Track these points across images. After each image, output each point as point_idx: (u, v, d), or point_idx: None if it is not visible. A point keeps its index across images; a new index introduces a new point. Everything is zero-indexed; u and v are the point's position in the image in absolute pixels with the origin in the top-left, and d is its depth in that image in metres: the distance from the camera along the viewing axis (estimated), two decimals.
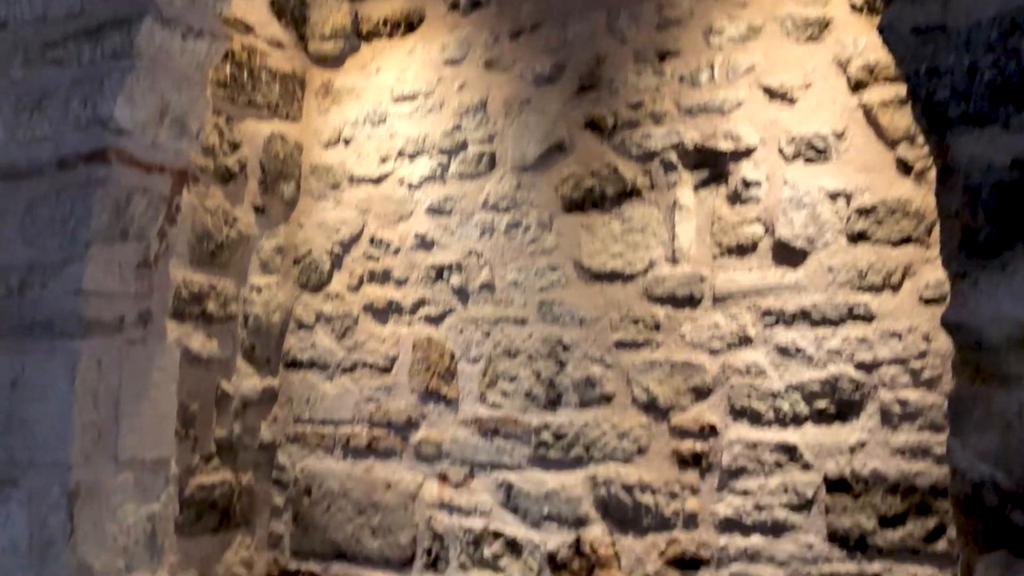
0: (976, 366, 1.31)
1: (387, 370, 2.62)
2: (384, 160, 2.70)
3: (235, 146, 2.68)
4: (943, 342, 1.92)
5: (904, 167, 2.02)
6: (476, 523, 2.42)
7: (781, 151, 2.16)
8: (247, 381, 2.71)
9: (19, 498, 2.23)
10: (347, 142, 2.77)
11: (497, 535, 2.38)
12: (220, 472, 2.61)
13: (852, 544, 1.96)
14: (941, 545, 1.88)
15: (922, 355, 1.95)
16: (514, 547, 2.35)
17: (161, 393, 2.37)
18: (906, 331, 1.97)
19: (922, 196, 1.99)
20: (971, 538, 1.35)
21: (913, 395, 1.95)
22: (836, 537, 1.98)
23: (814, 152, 2.12)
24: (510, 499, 2.38)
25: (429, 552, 2.47)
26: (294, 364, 2.76)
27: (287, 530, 2.71)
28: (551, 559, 2.30)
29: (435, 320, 2.56)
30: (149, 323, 2.36)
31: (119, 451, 2.28)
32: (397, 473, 2.56)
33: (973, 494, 1.29)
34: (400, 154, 2.67)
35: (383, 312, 2.64)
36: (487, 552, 2.39)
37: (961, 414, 1.33)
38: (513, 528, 2.37)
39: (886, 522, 1.93)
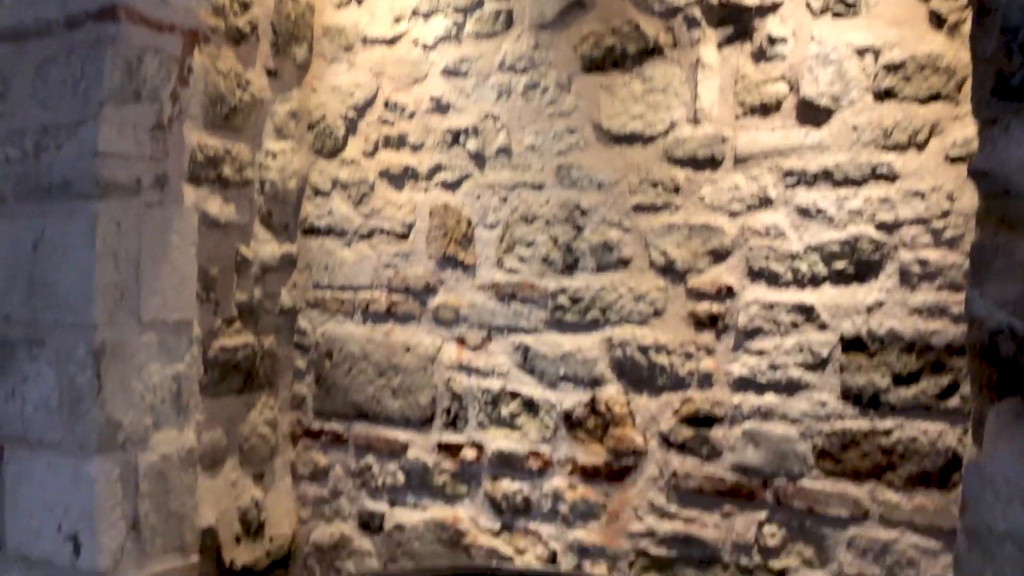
0: (1001, 215, 1.29)
1: (404, 236, 2.62)
2: (398, 20, 2.63)
3: (245, 6, 2.61)
4: (967, 201, 1.89)
5: (936, 20, 1.94)
6: (494, 384, 2.46)
7: (808, 5, 2.08)
8: (265, 247, 2.72)
9: (47, 357, 2.29)
10: (359, 1, 2.69)
11: (514, 395, 2.42)
12: (242, 335, 2.65)
13: (865, 402, 1.98)
14: (953, 402, 1.90)
15: (945, 214, 1.92)
16: (531, 406, 2.40)
17: (181, 256, 2.39)
18: (930, 190, 1.94)
19: (954, 51, 1.92)
20: (985, 387, 1.36)
21: (934, 255, 1.93)
22: (849, 395, 2.00)
23: (843, 6, 2.04)
24: (527, 361, 2.42)
25: (448, 412, 2.53)
26: (312, 231, 2.77)
27: (309, 392, 2.78)
28: (567, 417, 2.34)
29: (451, 186, 2.54)
30: (166, 186, 2.36)
31: (142, 312, 2.31)
32: (416, 337, 2.60)
33: (990, 343, 1.30)
34: (414, 13, 2.59)
35: (399, 178, 2.63)
36: (504, 411, 2.44)
37: (983, 264, 1.32)
38: (530, 389, 2.41)
39: (900, 380, 1.95)
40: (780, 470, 2.07)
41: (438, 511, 2.54)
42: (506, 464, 2.43)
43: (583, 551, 2.31)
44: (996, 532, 1.24)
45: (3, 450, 2.36)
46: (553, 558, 2.35)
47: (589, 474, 2.31)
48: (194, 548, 2.43)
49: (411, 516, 2.58)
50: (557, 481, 2.36)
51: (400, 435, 2.61)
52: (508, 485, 2.43)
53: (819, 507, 2.02)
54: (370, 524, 2.66)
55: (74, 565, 2.23)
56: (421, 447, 2.58)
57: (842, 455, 2.00)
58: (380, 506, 2.65)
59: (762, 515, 2.09)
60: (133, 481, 2.27)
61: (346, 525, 2.71)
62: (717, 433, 2.15)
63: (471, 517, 2.49)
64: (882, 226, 1.99)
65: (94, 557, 2.20)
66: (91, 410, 2.19)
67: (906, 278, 1.96)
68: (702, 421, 2.16)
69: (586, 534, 2.31)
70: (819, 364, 2.04)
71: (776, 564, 2.07)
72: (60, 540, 2.25)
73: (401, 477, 2.61)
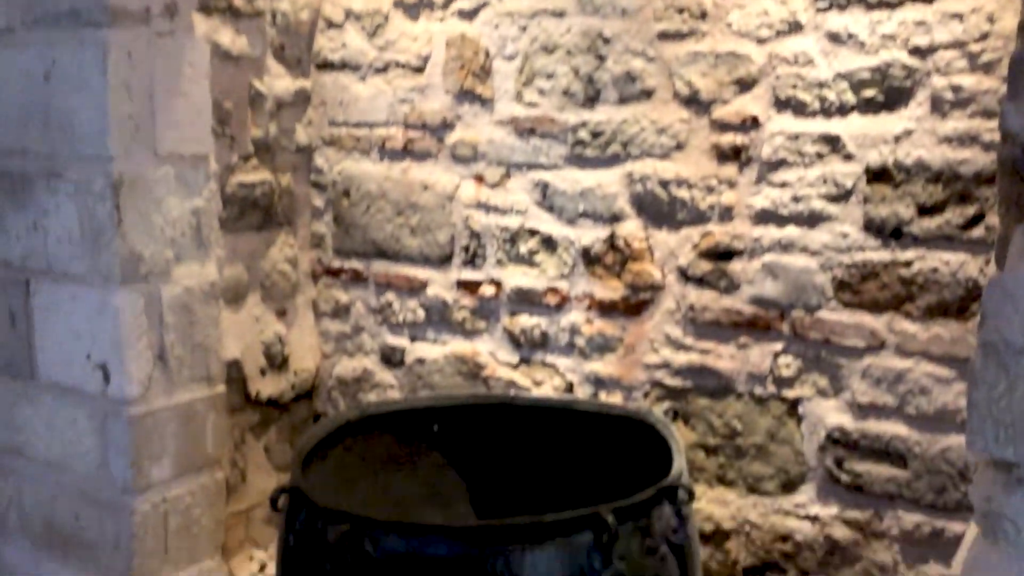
0: None
1: (420, 70, 2.56)
2: None
3: None
4: (1008, 23, 1.81)
5: None
6: (512, 222, 2.45)
7: None
8: (279, 82, 2.67)
9: (66, 190, 2.29)
10: None
11: (533, 233, 2.42)
12: (259, 172, 2.63)
13: (888, 233, 1.96)
14: (977, 232, 1.88)
15: (983, 37, 1.84)
16: (549, 243, 2.40)
17: (194, 88, 2.35)
18: (969, 11, 1.85)
19: None
20: (1014, 205, 1.33)
21: (968, 80, 1.86)
22: (872, 226, 1.98)
23: None
24: (546, 198, 2.40)
25: (467, 249, 2.53)
26: (325, 65, 2.70)
27: (328, 230, 2.78)
28: (585, 254, 2.34)
29: (468, 15, 2.46)
30: (176, 15, 2.29)
31: (158, 145, 2.29)
32: (434, 175, 2.57)
33: (1021, 157, 1.26)
34: None
35: (414, 7, 2.54)
36: (523, 249, 2.44)
37: (1020, 75, 1.27)
38: (548, 226, 2.40)
39: (924, 211, 1.92)
40: (798, 302, 2.07)
41: (457, 346, 2.58)
42: (524, 300, 2.45)
43: (599, 382, 2.35)
44: (1013, 346, 1.24)
45: (29, 283, 2.40)
46: (570, 389, 2.40)
47: (606, 309, 2.33)
48: (220, 379, 2.50)
49: (431, 350, 2.63)
50: (574, 316, 2.38)
51: (419, 273, 2.63)
52: (526, 320, 2.46)
53: (835, 338, 2.03)
54: (391, 358, 2.71)
55: (104, 393, 2.30)
56: (440, 284, 2.60)
57: (861, 286, 2.00)
58: (401, 341, 2.69)
59: (778, 346, 2.11)
60: (157, 312, 2.31)
61: (368, 360, 2.77)
62: (736, 266, 2.14)
63: (490, 351, 2.53)
64: (915, 51, 1.91)
65: (123, 385, 2.26)
66: (113, 242, 2.21)
67: (937, 105, 1.90)
68: (721, 255, 2.16)
69: (602, 366, 2.35)
70: (843, 196, 2.01)
71: (790, 393, 2.11)
72: (90, 369, 2.32)
73: (421, 313, 2.64)
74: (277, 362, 2.74)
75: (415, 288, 2.64)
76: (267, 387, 2.72)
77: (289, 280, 2.77)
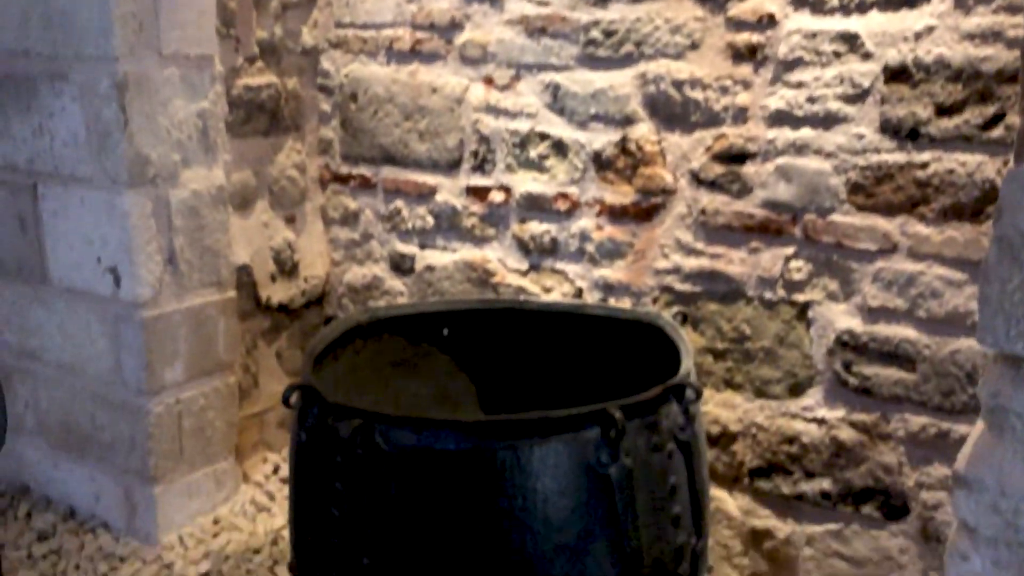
0: None
1: None
2: None
3: None
4: None
5: None
6: (522, 125, 2.42)
7: None
8: None
9: (71, 92, 2.26)
10: None
11: (543, 136, 2.38)
12: (265, 74, 2.59)
13: (904, 134, 1.92)
14: (997, 132, 1.84)
15: None
16: (560, 148, 2.37)
17: None
18: None
19: None
20: None
21: None
22: (888, 127, 1.94)
23: None
24: (556, 100, 2.35)
25: (476, 155, 2.50)
26: None
27: (336, 136, 2.75)
28: (596, 158, 2.31)
29: None
30: None
31: (162, 45, 2.25)
32: (442, 77, 2.53)
33: None
34: None
35: None
36: (533, 153, 2.41)
37: None
38: (559, 129, 2.36)
39: (943, 111, 1.88)
40: (811, 205, 2.05)
41: (467, 252, 2.58)
42: (534, 206, 2.43)
43: (608, 288, 2.35)
44: None
45: (36, 186, 2.39)
46: (579, 295, 2.40)
47: (617, 214, 2.31)
48: (230, 284, 2.51)
49: (441, 258, 2.63)
50: (584, 222, 2.36)
51: (428, 179, 2.61)
52: (536, 227, 2.44)
53: (848, 241, 2.02)
54: (401, 266, 2.71)
55: (116, 296, 2.31)
56: (449, 191, 2.58)
57: (875, 189, 1.97)
58: (410, 248, 2.69)
59: (789, 250, 2.10)
60: (166, 216, 2.30)
61: (377, 267, 2.77)
62: (749, 169, 2.11)
63: (499, 258, 2.52)
64: None
65: (134, 288, 2.27)
66: (120, 144, 2.19)
67: (961, 1, 1.84)
68: (734, 157, 2.13)
69: (612, 272, 2.34)
70: (859, 96, 1.96)
71: (800, 297, 2.10)
72: (100, 272, 2.32)
73: (430, 220, 2.63)
74: (287, 268, 2.75)
75: (424, 194, 2.63)
76: (277, 293, 2.73)
77: (298, 187, 2.76)
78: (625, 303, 2.33)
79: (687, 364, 1.76)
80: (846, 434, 2.07)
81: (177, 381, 2.40)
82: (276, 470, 2.78)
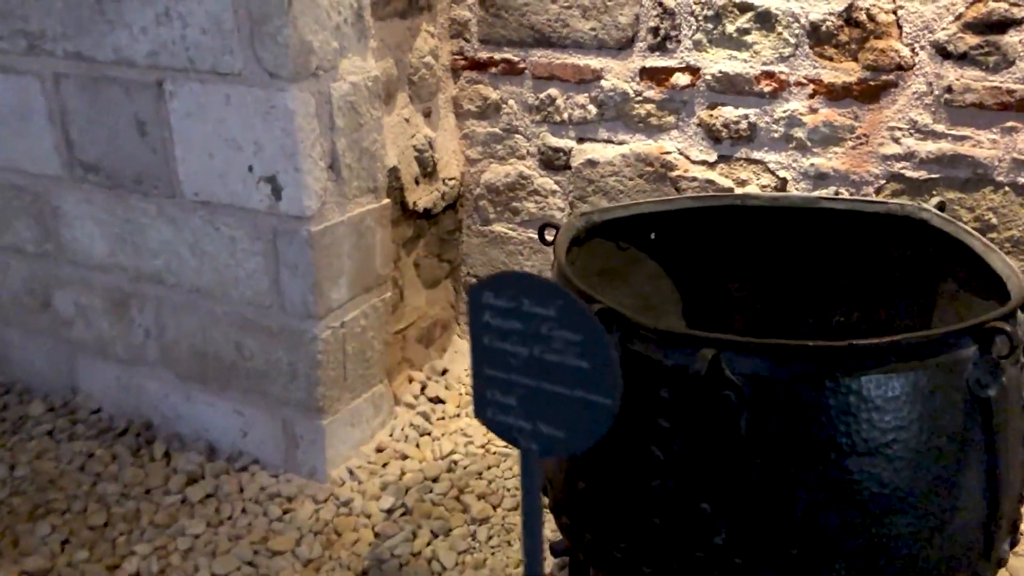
0: None
1: None
2: None
3: None
4: None
5: None
6: None
7: None
8: None
9: None
10: None
11: (745, 7, 2.10)
12: None
13: None
14: None
15: None
16: (766, 19, 2.09)
17: None
18: None
19: None
20: None
21: None
22: None
23: None
24: None
25: (656, 32, 2.22)
26: None
27: (473, 15, 2.43)
28: (813, 30, 2.05)
29: None
30: None
31: None
32: None
33: None
34: None
35: None
36: (730, 28, 2.13)
37: None
38: None
39: None
40: None
41: (639, 144, 2.32)
42: (729, 88, 2.17)
43: (820, 177, 2.13)
44: None
45: (162, 84, 2.05)
46: (782, 186, 2.18)
47: (836, 94, 2.07)
48: (384, 189, 2.23)
49: (605, 151, 2.36)
50: (793, 104, 2.11)
51: (592, 62, 2.32)
52: (729, 112, 2.19)
53: None
54: (553, 162, 2.45)
55: (274, 209, 2.02)
56: (618, 74, 2.29)
57: None
58: (565, 142, 2.42)
59: None
60: (328, 114, 2.00)
61: (523, 164, 2.49)
62: (1012, 39, 1.88)
63: (680, 149, 2.27)
64: None
65: (299, 199, 1.98)
66: (282, 30, 1.86)
67: None
68: (994, 25, 1.89)
69: (826, 160, 2.11)
70: None
71: None
72: (253, 183, 2.02)
73: (592, 109, 2.35)
74: (429, 169, 2.46)
75: (585, 80, 2.34)
76: (423, 197, 2.45)
77: (436, 75, 2.44)
78: (843, 194, 2.11)
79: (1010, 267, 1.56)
80: None
81: (342, 301, 2.14)
82: (423, 388, 2.56)
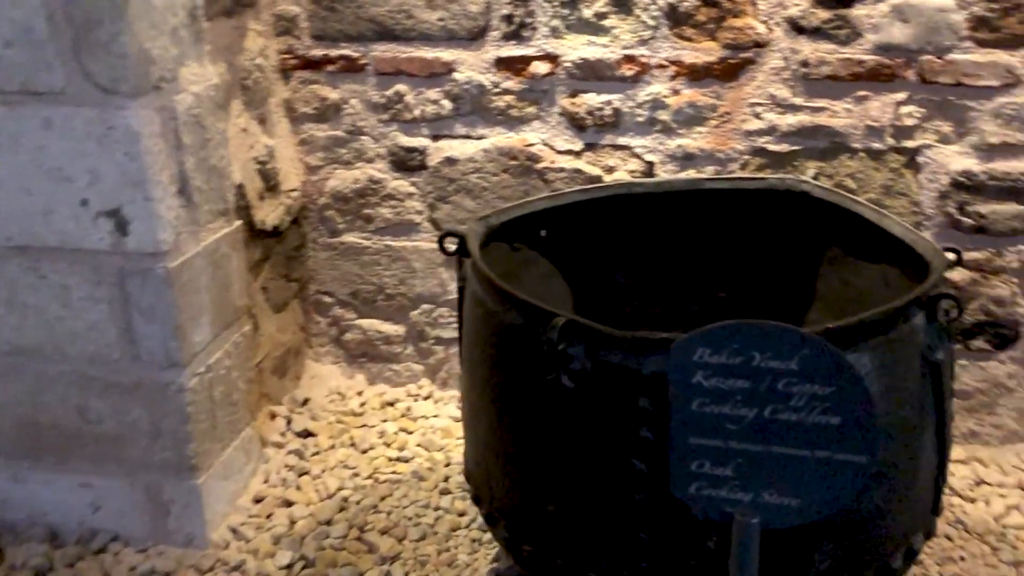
0: None
1: None
2: None
3: None
4: None
5: None
6: None
7: None
8: None
9: None
10: None
11: None
12: None
13: None
14: None
15: None
16: (623, 2, 2.06)
17: None
18: None
19: None
20: None
21: None
22: None
23: None
24: None
25: (509, 19, 2.12)
26: None
27: (302, 10, 2.21)
28: (671, 12, 2.05)
29: None
30: None
31: None
32: None
33: None
34: None
35: None
36: (587, 12, 2.08)
37: None
38: None
39: None
40: (928, 46, 1.96)
41: (500, 138, 2.22)
42: (590, 75, 2.13)
43: (687, 158, 2.14)
44: None
45: None
46: (650, 170, 2.17)
47: (698, 75, 2.08)
48: (233, 210, 1.98)
49: (464, 147, 2.24)
50: (656, 87, 2.10)
51: (442, 54, 2.18)
52: (593, 99, 2.14)
53: (967, 79, 1.96)
54: (407, 162, 2.29)
55: (119, 247, 1.73)
56: (472, 66, 2.18)
57: (1001, 22, 1.92)
58: (419, 141, 2.27)
59: (901, 96, 2.01)
60: (174, 132, 1.74)
61: (373, 167, 2.32)
62: (859, 12, 1.97)
63: (544, 140, 2.20)
64: None
65: (152, 233, 1.71)
66: (119, 37, 1.58)
67: None
68: (842, 0, 1.97)
69: (691, 140, 2.13)
70: None
71: (910, 143, 2.04)
72: (89, 219, 1.72)
73: (447, 104, 2.22)
74: (272, 183, 2.22)
75: (436, 74, 2.20)
76: (270, 214, 2.21)
77: (267, 77, 2.20)
78: (709, 173, 2.13)
79: (928, 244, 1.61)
80: (958, 275, 2.09)
81: (205, 343, 1.88)
82: (289, 423, 2.33)
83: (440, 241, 1.72)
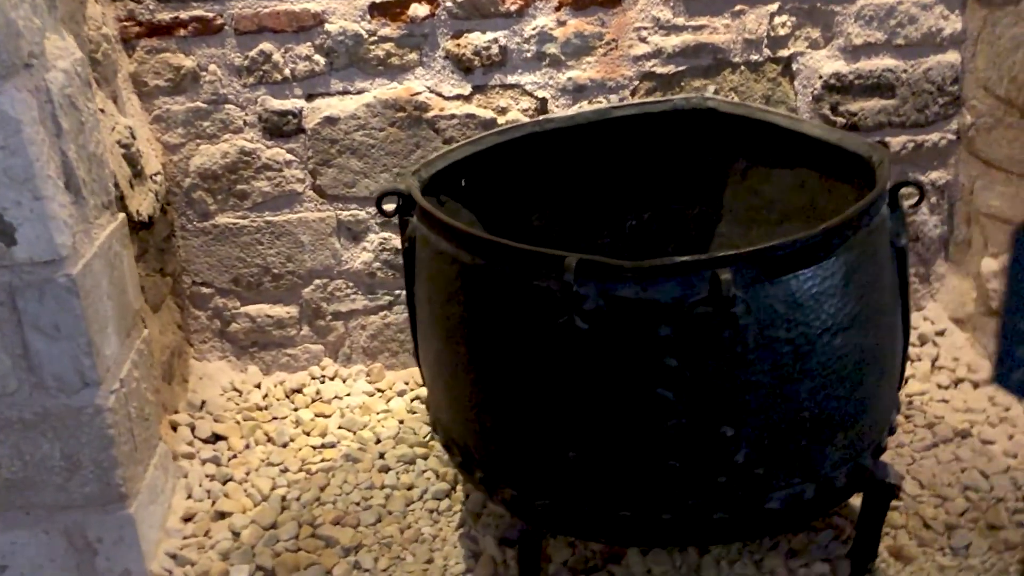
0: None
1: None
2: None
3: None
4: None
5: None
6: None
7: None
8: None
9: None
10: None
11: None
12: None
13: None
14: None
15: None
16: None
17: None
18: None
19: None
20: None
21: None
22: None
23: None
24: None
25: None
26: None
27: None
28: None
29: None
30: None
31: None
32: None
33: None
34: None
35: None
36: None
37: None
38: None
39: None
40: None
41: (383, 90, 2.09)
42: (473, 13, 2.04)
43: (578, 90, 2.12)
44: None
45: None
46: (543, 107, 2.13)
47: (582, 3, 2.04)
48: (115, 201, 1.74)
49: (343, 104, 2.09)
50: (541, 19, 2.05)
51: (310, 5, 2.01)
52: (478, 39, 2.06)
53: None
54: (281, 128, 2.10)
55: (5, 259, 1.47)
56: (344, 15, 2.02)
57: None
58: (292, 103, 2.09)
59: (774, 6, 2.08)
60: (51, 116, 1.49)
61: (242, 137, 2.11)
62: None
63: (430, 87, 2.10)
64: None
65: (48, 238, 1.48)
66: None
67: None
68: None
69: (581, 71, 2.10)
70: None
71: (784, 52, 2.12)
72: None
73: (320, 60, 2.05)
74: (138, 168, 1.96)
75: (306, 27, 2.03)
76: (143, 203, 1.96)
77: (115, 49, 1.93)
78: (602, 102, 2.12)
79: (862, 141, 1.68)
80: None
81: (115, 355, 1.65)
82: (193, 430, 2.11)
83: (378, 202, 1.60)
